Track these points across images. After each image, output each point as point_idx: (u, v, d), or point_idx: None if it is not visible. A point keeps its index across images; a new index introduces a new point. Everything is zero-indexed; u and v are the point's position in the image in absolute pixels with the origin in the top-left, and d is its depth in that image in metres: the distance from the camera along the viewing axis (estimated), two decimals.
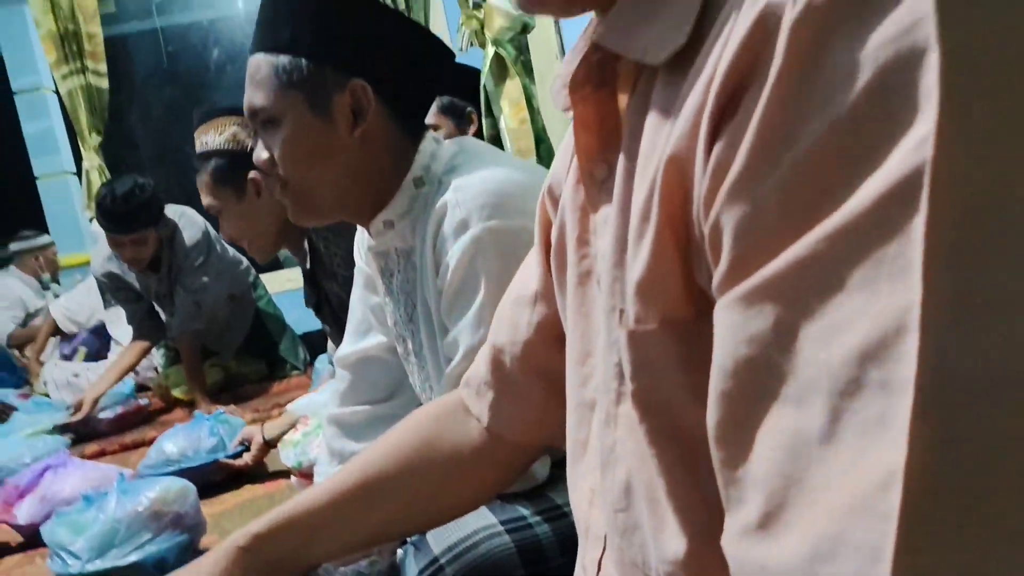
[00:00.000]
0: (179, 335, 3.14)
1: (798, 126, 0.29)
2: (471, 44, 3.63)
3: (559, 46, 3.06)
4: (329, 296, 1.84)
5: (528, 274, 0.69)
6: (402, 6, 4.30)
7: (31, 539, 1.88)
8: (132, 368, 3.25)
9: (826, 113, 0.29)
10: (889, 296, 0.26)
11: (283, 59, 1.01)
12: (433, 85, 1.15)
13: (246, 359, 3.62)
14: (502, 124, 2.65)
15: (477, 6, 3.63)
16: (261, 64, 1.02)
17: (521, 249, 0.97)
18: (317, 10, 1.00)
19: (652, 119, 0.40)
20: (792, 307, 0.29)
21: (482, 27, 3.44)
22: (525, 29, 2.66)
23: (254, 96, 1.03)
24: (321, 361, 3.02)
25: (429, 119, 2.34)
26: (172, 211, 3.12)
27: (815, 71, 0.29)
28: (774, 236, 0.30)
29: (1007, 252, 0.26)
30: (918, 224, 0.26)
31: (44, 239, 4.63)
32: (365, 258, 1.23)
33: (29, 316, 4.39)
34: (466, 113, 2.53)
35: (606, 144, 0.47)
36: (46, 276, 4.54)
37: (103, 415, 3.02)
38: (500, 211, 0.97)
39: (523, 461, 0.78)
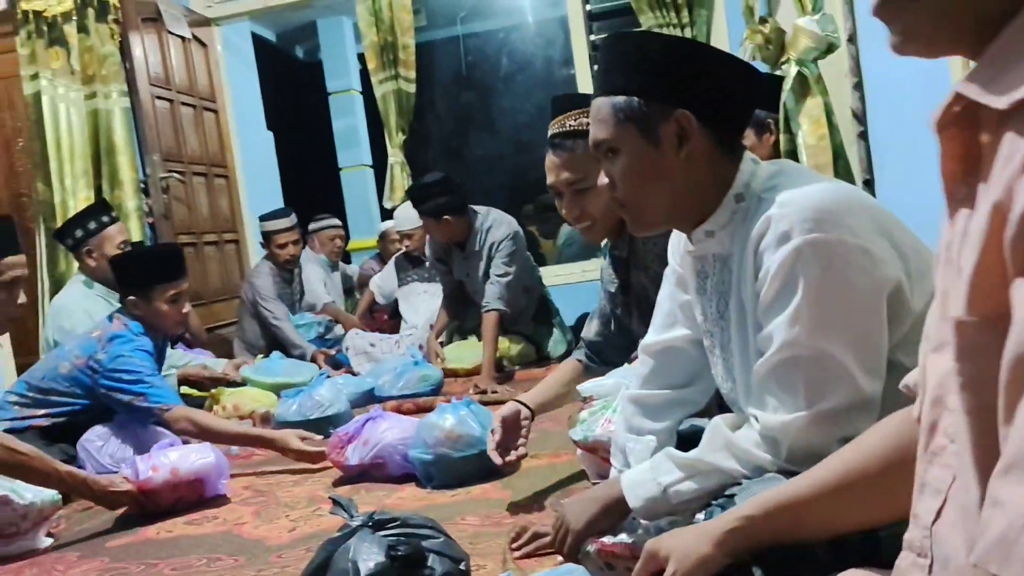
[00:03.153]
0: (487, 310, 3.68)
1: None
2: (753, 58, 3.70)
3: (850, 67, 3.07)
4: (634, 284, 2.04)
5: None
6: (685, 20, 4.44)
7: (359, 475, 2.35)
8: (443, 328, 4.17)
9: None
10: None
11: (619, 99, 1.23)
12: (747, 107, 1.32)
13: (521, 343, 3.98)
14: (800, 140, 2.73)
15: (763, 21, 3.69)
16: (602, 105, 1.26)
17: (837, 260, 1.11)
18: (642, 57, 1.22)
19: (1000, 157, 0.53)
20: None
21: (766, 42, 3.50)
22: (830, 49, 2.72)
23: (597, 131, 1.27)
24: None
25: None
26: (481, 210, 3.91)
27: None
28: None
29: None
30: None
31: (333, 222, 5.24)
32: (680, 260, 1.41)
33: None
34: (766, 123, 2.63)
35: (968, 171, 0.60)
36: (322, 258, 5.14)
37: None
38: (820, 225, 1.10)
39: None
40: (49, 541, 2.16)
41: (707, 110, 1.20)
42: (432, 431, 2.25)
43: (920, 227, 2.41)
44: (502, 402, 2.89)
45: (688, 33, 4.41)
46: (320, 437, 2.60)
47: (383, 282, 4.96)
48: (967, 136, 0.60)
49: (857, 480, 0.88)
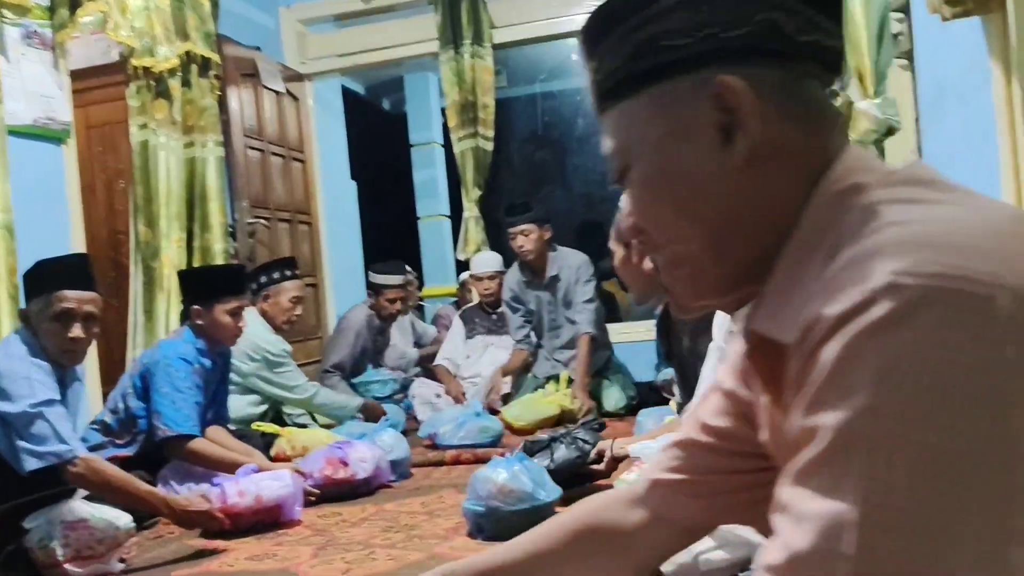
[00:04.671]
0: (580, 334, 4.18)
1: None
2: None
3: (917, 145, 3.09)
4: (677, 348, 2.10)
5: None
6: None
7: None
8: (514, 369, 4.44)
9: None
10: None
11: None
12: None
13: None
14: None
15: (833, 95, 3.74)
16: None
17: None
18: None
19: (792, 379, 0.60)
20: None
21: None
22: (890, 132, 2.76)
23: None
24: (643, 415, 3.31)
25: None
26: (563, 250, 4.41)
27: None
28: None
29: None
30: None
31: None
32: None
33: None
34: None
35: (772, 381, 0.71)
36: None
37: None
38: None
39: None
40: (121, 566, 2.31)
41: None
42: (485, 484, 2.33)
43: None
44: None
45: None
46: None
47: (452, 351, 4.82)
48: (770, 359, 0.68)
49: (545, 553, 1.00)
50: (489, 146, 5.08)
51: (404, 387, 4.63)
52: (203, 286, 3.08)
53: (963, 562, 0.50)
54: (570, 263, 4.36)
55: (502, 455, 2.54)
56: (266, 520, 2.58)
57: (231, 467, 2.78)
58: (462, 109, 5.02)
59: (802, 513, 0.54)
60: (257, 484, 2.60)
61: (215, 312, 3.00)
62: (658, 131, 0.70)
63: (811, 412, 0.55)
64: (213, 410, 3.15)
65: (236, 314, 3.04)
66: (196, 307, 3.03)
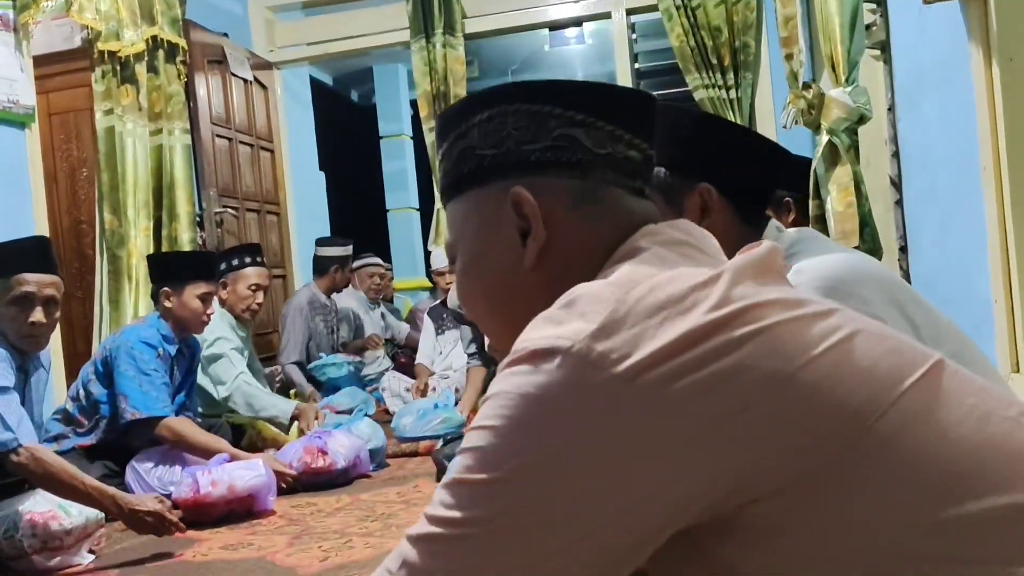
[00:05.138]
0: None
1: None
2: (796, 122, 3.76)
3: (892, 135, 3.12)
4: None
5: None
6: (731, 81, 4.53)
7: None
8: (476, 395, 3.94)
9: None
10: None
11: None
12: (769, 182, 1.38)
13: None
14: (828, 206, 2.78)
15: (806, 86, 3.76)
16: None
17: None
18: (671, 131, 1.26)
19: None
20: None
21: (809, 107, 3.57)
22: (862, 120, 2.78)
23: None
24: None
25: None
26: None
27: None
28: None
29: None
30: None
31: (374, 260, 5.36)
32: None
33: (358, 328, 5.06)
34: (784, 202, 2.66)
35: None
36: (361, 295, 5.24)
37: None
38: (831, 293, 1.15)
39: None
40: (91, 557, 2.25)
41: (729, 184, 1.26)
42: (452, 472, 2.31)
43: (950, 292, 2.45)
44: None
45: (733, 95, 4.49)
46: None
47: (427, 350, 4.74)
48: None
49: None
50: None
51: (358, 370, 4.52)
52: (175, 268, 3.03)
53: None
54: None
55: None
56: (239, 510, 2.54)
57: (206, 451, 2.74)
58: (434, 99, 4.97)
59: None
60: (230, 474, 2.56)
61: (185, 295, 2.95)
62: (473, 227, 0.79)
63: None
64: (179, 401, 3.08)
65: (206, 299, 2.99)
66: (166, 288, 2.97)
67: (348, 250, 4.80)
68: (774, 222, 1.34)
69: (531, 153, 0.75)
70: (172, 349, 2.97)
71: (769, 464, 0.57)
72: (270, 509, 2.58)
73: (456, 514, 0.59)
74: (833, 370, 0.59)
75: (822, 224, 2.79)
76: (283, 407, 3.48)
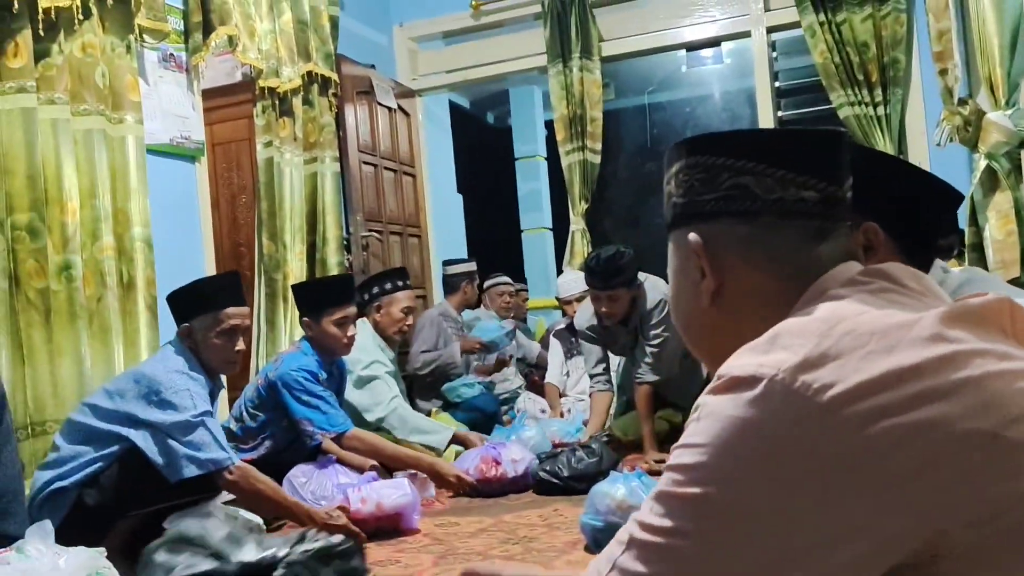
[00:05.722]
0: (638, 383, 3.58)
1: None
2: (951, 140, 3.60)
3: None
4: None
5: None
6: (878, 98, 4.37)
7: None
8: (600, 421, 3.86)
9: None
10: None
11: None
12: (937, 223, 1.34)
13: (679, 415, 3.97)
14: (986, 234, 2.66)
15: (962, 102, 3.59)
16: None
17: None
18: None
19: None
20: None
21: (965, 124, 3.41)
22: (1023, 144, 2.65)
23: None
24: None
25: None
26: (641, 276, 3.64)
27: None
28: None
29: None
30: None
31: (504, 279, 5.38)
32: None
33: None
34: (951, 248, 2.53)
35: None
36: (491, 313, 5.27)
37: None
38: None
39: None
40: None
41: (894, 223, 1.25)
42: (604, 499, 2.34)
43: None
44: None
45: (881, 112, 4.33)
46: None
47: (554, 371, 4.77)
48: None
49: None
50: (597, 159, 5.09)
51: (489, 389, 4.55)
52: (310, 298, 3.17)
53: None
54: (647, 302, 3.61)
55: (620, 471, 2.54)
56: (386, 527, 2.65)
57: (395, 457, 3.00)
58: (570, 122, 5.04)
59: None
60: (378, 492, 2.67)
61: (323, 323, 3.09)
62: (674, 265, 0.89)
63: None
64: None
65: (343, 324, 3.11)
66: (306, 319, 3.14)
67: (472, 266, 4.96)
68: (939, 262, 1.31)
69: (707, 204, 0.82)
70: (324, 374, 3.13)
71: (965, 520, 0.57)
72: (415, 528, 2.69)
73: (667, 523, 0.65)
74: None
75: (979, 252, 2.67)
76: (441, 435, 3.55)
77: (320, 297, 3.15)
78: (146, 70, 3.37)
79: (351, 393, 3.56)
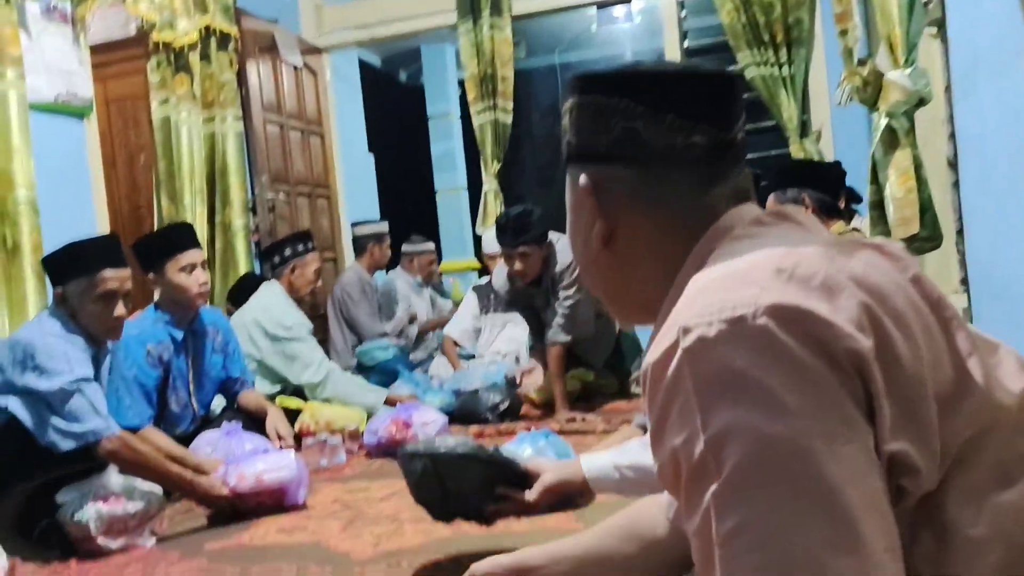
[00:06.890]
0: (550, 344, 3.59)
1: None
2: (851, 99, 3.68)
3: (948, 116, 3.04)
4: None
5: None
6: (783, 58, 4.43)
7: None
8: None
9: None
10: None
11: None
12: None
13: (604, 374, 4.01)
14: (887, 192, 2.73)
15: (862, 63, 3.67)
16: None
17: None
18: None
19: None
20: None
21: (864, 84, 3.49)
22: (921, 103, 2.71)
23: None
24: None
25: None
26: (553, 236, 3.64)
27: None
28: None
29: None
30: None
31: (426, 246, 5.30)
32: None
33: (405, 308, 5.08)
34: (800, 198, 2.53)
35: None
36: (417, 278, 5.21)
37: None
38: None
39: None
40: (153, 540, 2.33)
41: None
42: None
43: (1007, 277, 2.39)
44: (587, 432, 2.96)
45: (786, 72, 4.39)
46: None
47: (460, 325, 4.67)
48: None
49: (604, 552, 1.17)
50: (508, 118, 5.04)
51: (405, 353, 4.52)
52: (149, 250, 2.86)
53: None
54: (559, 262, 3.63)
55: (528, 430, 2.54)
56: (268, 503, 2.48)
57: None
58: (481, 81, 4.98)
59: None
60: (257, 467, 2.50)
61: (168, 273, 2.82)
62: (568, 203, 0.88)
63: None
64: (216, 382, 3.12)
65: (191, 269, 2.83)
66: (150, 275, 2.84)
67: (382, 227, 4.90)
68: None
69: (599, 146, 0.82)
70: (179, 335, 2.91)
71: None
72: (299, 503, 2.53)
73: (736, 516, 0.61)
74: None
75: (880, 210, 2.74)
76: (377, 395, 3.64)
77: (160, 244, 2.87)
78: (28, 22, 3.17)
79: (272, 356, 3.53)
